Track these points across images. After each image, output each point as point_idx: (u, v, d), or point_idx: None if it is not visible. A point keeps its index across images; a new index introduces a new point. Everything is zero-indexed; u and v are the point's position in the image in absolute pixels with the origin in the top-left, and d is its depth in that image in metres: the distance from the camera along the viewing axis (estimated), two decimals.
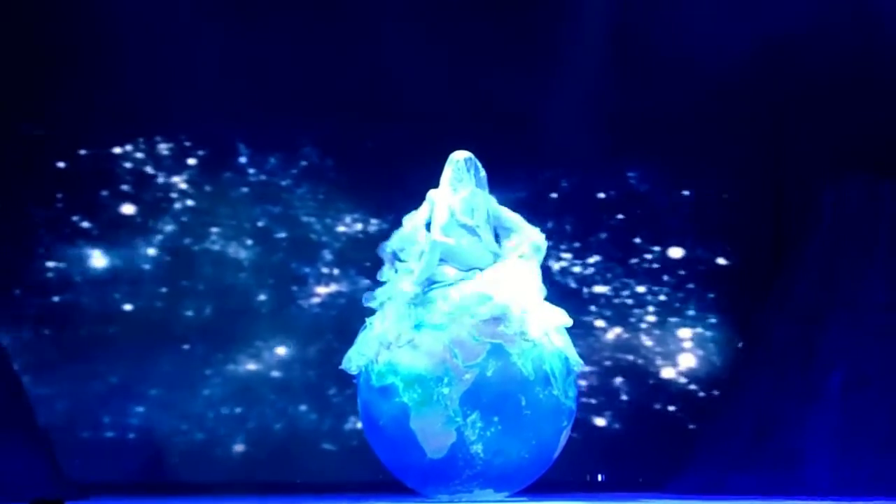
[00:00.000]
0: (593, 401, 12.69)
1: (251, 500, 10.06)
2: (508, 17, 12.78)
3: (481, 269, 9.53)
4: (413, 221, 9.60)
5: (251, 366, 12.69)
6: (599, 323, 12.92)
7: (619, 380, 12.84)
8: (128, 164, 12.81)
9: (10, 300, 12.32)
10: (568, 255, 12.99)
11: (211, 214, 12.93)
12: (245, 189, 13.03)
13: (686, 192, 13.12)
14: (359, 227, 13.07)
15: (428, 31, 12.55)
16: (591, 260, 13.03)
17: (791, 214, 12.53)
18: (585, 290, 12.97)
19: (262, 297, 12.87)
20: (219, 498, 10.69)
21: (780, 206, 12.85)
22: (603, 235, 13.03)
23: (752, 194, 13.02)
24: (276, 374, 12.75)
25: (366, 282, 12.72)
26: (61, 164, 12.67)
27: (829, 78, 12.34)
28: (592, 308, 12.94)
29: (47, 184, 12.61)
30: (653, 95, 12.71)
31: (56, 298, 12.43)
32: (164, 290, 12.69)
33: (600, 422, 12.71)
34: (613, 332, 12.93)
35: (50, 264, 12.51)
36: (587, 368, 9.92)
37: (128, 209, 12.76)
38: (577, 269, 13.00)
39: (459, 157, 9.69)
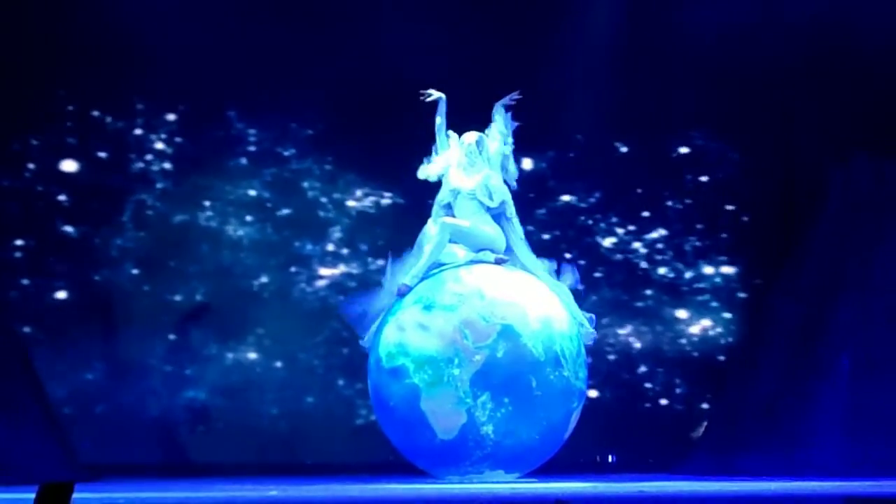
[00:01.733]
0: (601, 382, 12.68)
1: (261, 481, 10.08)
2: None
3: (493, 251, 9.56)
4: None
5: (253, 354, 12.51)
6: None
7: (626, 361, 12.84)
8: (121, 134, 12.44)
9: (22, 279, 12.22)
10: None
11: (206, 187, 12.59)
12: (243, 159, 12.69)
13: (693, 174, 13.09)
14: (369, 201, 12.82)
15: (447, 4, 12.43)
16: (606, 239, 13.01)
17: (800, 195, 12.52)
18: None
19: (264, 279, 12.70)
20: (229, 479, 10.71)
21: (789, 187, 12.83)
22: (594, 220, 12.99)
23: (760, 175, 12.99)
24: (279, 363, 12.58)
25: (380, 262, 12.58)
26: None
27: (835, 59, 12.32)
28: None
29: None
30: (660, 78, 12.68)
31: (66, 276, 12.31)
32: (167, 268, 12.38)
33: (609, 402, 12.70)
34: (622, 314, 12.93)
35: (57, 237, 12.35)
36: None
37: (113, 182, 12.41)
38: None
39: (470, 140, 9.70)
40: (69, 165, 12.30)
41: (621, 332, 12.82)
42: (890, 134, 11.79)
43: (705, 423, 12.28)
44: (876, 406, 10.68)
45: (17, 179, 12.25)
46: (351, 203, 12.73)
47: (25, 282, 12.18)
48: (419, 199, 10.05)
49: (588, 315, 9.70)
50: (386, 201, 12.71)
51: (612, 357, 12.77)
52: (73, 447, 11.00)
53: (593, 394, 12.52)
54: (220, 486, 9.26)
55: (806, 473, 10.36)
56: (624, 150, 12.95)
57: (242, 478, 10.87)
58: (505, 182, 9.72)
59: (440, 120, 9.76)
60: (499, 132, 9.72)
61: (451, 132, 9.81)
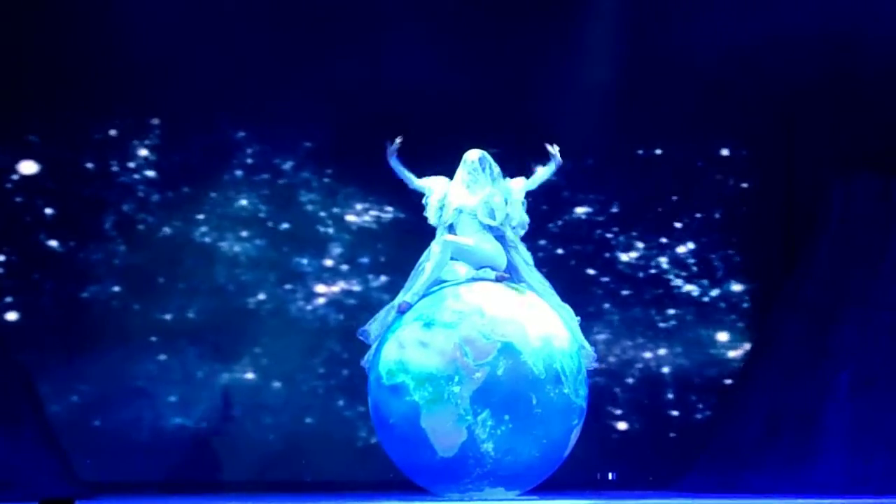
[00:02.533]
0: (603, 399, 12.64)
1: (262, 499, 10.07)
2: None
3: (493, 268, 9.56)
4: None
5: (250, 374, 12.38)
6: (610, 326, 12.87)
7: (629, 378, 12.81)
8: (109, 145, 12.20)
9: (20, 294, 12.15)
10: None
11: (199, 201, 12.39)
12: (238, 171, 12.46)
13: (695, 191, 13.08)
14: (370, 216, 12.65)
15: (446, 21, 12.34)
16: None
17: (802, 213, 12.52)
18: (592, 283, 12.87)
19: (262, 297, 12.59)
20: (228, 497, 10.70)
21: (791, 205, 12.83)
22: (609, 234, 12.97)
23: (762, 192, 12.99)
24: (277, 382, 12.47)
25: (383, 278, 12.49)
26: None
27: (839, 75, 12.33)
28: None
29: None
30: (660, 93, 12.68)
31: (67, 292, 12.22)
32: (169, 287, 12.27)
33: (611, 420, 12.67)
34: (618, 333, 12.90)
35: (70, 252, 12.18)
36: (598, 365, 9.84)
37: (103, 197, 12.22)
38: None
39: (473, 157, 9.70)
40: (54, 177, 12.18)
41: (619, 348, 12.79)
42: (894, 150, 11.79)
43: None
44: (878, 423, 10.68)
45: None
46: (351, 217, 12.65)
47: (9, 299, 12.09)
48: (421, 215, 10.00)
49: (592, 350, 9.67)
50: (387, 216, 12.65)
51: (615, 375, 12.74)
52: (73, 464, 10.98)
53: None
54: None
55: (808, 491, 10.35)
56: (623, 165, 12.94)
57: (242, 495, 10.86)
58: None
59: (395, 163, 9.74)
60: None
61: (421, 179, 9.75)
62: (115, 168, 12.34)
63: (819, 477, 10.61)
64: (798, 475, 10.70)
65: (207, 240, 12.44)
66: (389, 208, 12.61)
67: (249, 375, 12.38)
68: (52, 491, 9.75)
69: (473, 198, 9.62)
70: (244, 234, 12.47)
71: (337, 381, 12.37)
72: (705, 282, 12.95)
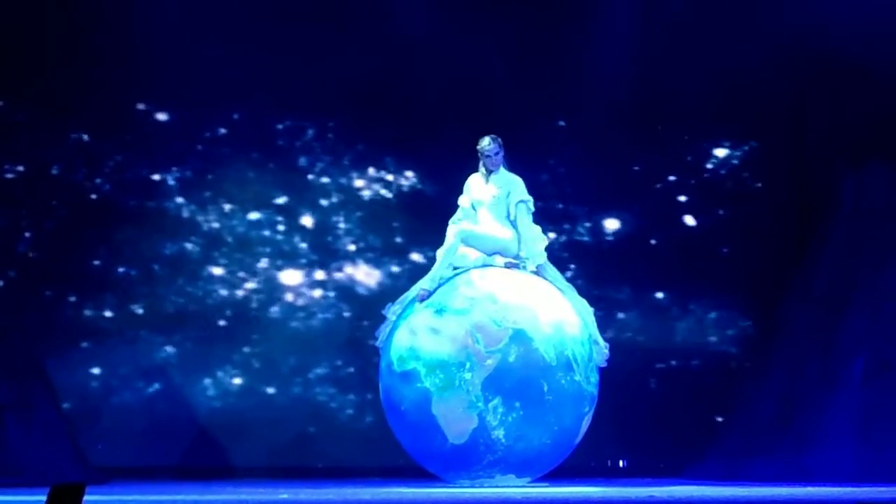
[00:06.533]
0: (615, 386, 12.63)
1: (273, 485, 10.09)
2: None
3: (504, 255, 9.57)
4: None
5: (244, 373, 12.24)
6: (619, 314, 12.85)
7: (640, 366, 12.81)
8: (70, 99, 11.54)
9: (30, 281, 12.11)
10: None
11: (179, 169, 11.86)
12: (222, 129, 11.83)
13: (706, 179, 13.07)
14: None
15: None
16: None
17: (813, 201, 12.51)
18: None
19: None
20: (240, 482, 10.73)
21: (802, 193, 12.82)
22: (617, 225, 12.95)
23: (773, 180, 12.98)
24: (282, 372, 12.27)
25: (410, 261, 12.34)
26: None
27: (850, 63, 12.30)
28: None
29: None
30: (671, 81, 12.66)
31: (79, 279, 12.20)
32: (167, 271, 12.02)
33: (622, 407, 12.67)
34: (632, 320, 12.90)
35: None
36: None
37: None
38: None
39: (485, 142, 9.73)
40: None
41: (633, 335, 12.79)
42: None
43: None
44: (888, 411, 10.67)
45: None
46: (359, 184, 12.41)
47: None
48: (445, 184, 9.87)
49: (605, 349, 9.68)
50: (405, 183, 12.43)
51: (624, 361, 12.73)
52: (84, 449, 11.00)
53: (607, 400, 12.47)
54: (231, 490, 9.28)
55: (818, 479, 10.35)
56: (633, 153, 12.92)
57: (253, 481, 10.88)
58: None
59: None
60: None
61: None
62: (73, 124, 11.72)
63: (828, 465, 10.61)
64: (808, 463, 10.70)
65: (185, 215, 12.08)
66: (409, 174, 11.97)
67: (240, 377, 12.22)
68: (64, 476, 9.77)
69: (482, 181, 9.63)
70: (228, 208, 11.78)
71: (346, 372, 12.34)
72: (716, 272, 12.93)
